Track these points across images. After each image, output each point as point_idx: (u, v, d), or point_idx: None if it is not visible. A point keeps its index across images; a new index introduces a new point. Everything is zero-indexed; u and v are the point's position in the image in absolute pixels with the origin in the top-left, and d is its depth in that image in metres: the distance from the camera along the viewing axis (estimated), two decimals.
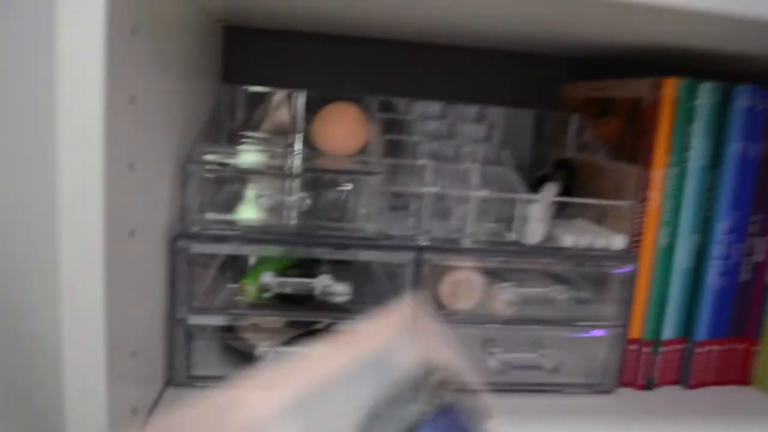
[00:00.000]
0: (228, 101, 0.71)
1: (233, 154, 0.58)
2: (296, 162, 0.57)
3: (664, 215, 0.62)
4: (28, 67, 0.66)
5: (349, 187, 0.58)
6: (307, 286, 0.55)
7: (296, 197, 0.55)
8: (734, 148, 0.63)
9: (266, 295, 0.54)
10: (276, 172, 0.56)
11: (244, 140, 0.70)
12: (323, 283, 0.55)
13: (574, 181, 0.72)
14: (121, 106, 0.42)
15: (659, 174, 0.62)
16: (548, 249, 0.60)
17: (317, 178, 0.57)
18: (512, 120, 0.76)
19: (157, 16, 0.48)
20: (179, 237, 0.53)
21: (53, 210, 0.40)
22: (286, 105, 0.71)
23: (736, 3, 0.45)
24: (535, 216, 0.58)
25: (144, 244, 0.48)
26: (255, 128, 0.71)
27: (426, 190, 0.57)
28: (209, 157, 0.56)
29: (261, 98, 0.72)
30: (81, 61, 0.38)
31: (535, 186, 0.70)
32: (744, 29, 0.50)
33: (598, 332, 0.62)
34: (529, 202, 0.58)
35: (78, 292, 0.40)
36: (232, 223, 0.56)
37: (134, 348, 0.47)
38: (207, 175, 0.55)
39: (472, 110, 0.73)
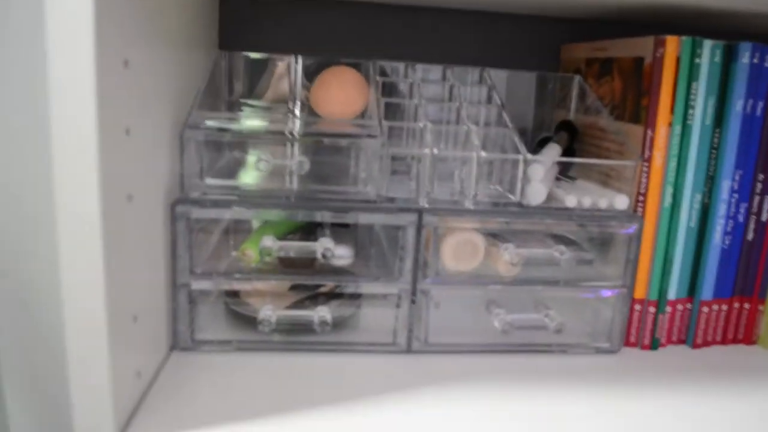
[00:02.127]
0: (226, 68, 0.70)
1: (232, 120, 0.57)
2: (296, 126, 0.57)
3: (668, 175, 0.62)
4: (18, 29, 0.65)
5: (349, 148, 0.57)
6: (308, 249, 0.55)
7: (296, 160, 0.55)
8: (738, 105, 0.62)
9: (267, 259, 0.54)
10: (275, 136, 0.56)
11: (243, 108, 0.70)
12: (324, 246, 0.54)
13: (576, 143, 0.72)
14: (115, 70, 0.41)
15: (662, 133, 0.61)
16: (551, 210, 0.59)
17: (317, 141, 0.57)
18: (513, 82, 0.76)
19: None
20: (178, 202, 0.53)
21: (50, 174, 0.39)
22: (288, 75, 0.71)
23: None
24: (537, 177, 0.58)
25: (143, 209, 0.48)
26: (257, 98, 0.70)
27: (426, 151, 0.57)
28: (207, 123, 0.56)
29: (259, 65, 0.72)
30: (71, 21, 0.37)
31: (537, 148, 0.69)
32: None
33: (603, 292, 0.62)
34: (531, 162, 0.58)
35: (77, 256, 0.40)
36: (232, 189, 0.56)
37: (136, 312, 0.47)
38: (205, 139, 0.55)
39: (472, 73, 0.72)
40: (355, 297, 0.61)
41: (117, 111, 0.42)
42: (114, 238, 0.42)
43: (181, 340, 0.56)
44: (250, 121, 0.58)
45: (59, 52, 0.38)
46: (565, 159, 0.63)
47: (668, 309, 0.65)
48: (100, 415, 0.43)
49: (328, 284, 0.58)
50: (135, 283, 0.47)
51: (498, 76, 0.73)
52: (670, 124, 0.61)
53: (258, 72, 0.72)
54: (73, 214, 0.40)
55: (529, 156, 0.58)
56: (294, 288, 0.59)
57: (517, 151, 0.59)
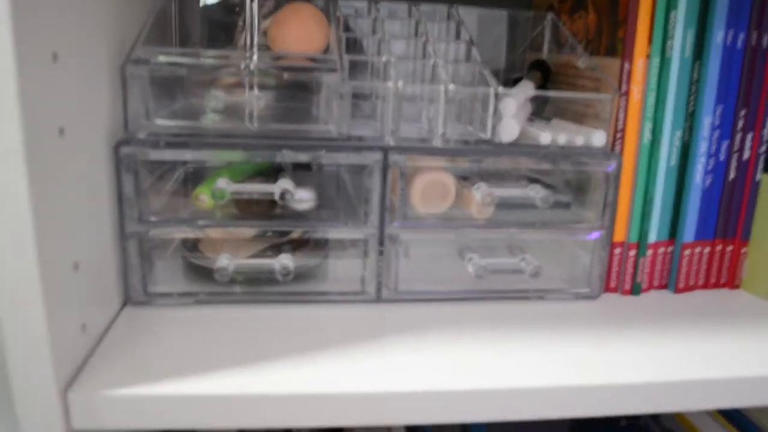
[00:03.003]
0: (175, 13, 0.66)
1: (179, 55, 0.53)
2: (252, 61, 0.53)
3: (646, 110, 0.59)
4: None
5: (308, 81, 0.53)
6: (266, 191, 0.51)
7: (252, 95, 0.51)
8: (719, 37, 0.59)
9: (221, 202, 0.50)
10: (230, 71, 0.52)
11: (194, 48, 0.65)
12: (283, 187, 0.51)
13: (549, 83, 0.68)
14: None
15: (640, 66, 0.58)
16: (524, 147, 0.56)
17: (274, 76, 0.52)
18: (483, 22, 0.72)
19: None
20: (122, 143, 0.49)
21: None
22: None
23: None
24: (510, 112, 0.54)
25: (79, 147, 0.44)
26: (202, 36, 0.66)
27: (390, 85, 0.53)
28: (151, 57, 0.51)
29: (212, 11, 0.67)
30: None
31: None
32: None
33: (580, 235, 0.59)
34: (503, 96, 0.54)
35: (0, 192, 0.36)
36: (184, 129, 0.52)
37: (76, 259, 0.43)
38: (150, 74, 0.50)
39: (440, 11, 0.68)
40: (321, 245, 0.58)
41: (39, 30, 0.38)
42: (43, 174, 0.38)
43: (134, 293, 0.52)
44: (201, 59, 0.54)
45: None
46: (538, 92, 0.59)
47: (649, 252, 0.62)
48: (40, 370, 0.39)
49: (292, 232, 0.54)
50: (73, 227, 0.43)
51: (468, 14, 0.70)
52: (648, 56, 0.58)
53: (212, 18, 0.68)
54: None
55: (501, 89, 0.54)
56: (256, 238, 0.56)
57: (487, 86, 0.55)
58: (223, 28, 0.68)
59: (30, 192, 0.37)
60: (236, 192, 0.50)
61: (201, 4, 0.68)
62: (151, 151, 0.50)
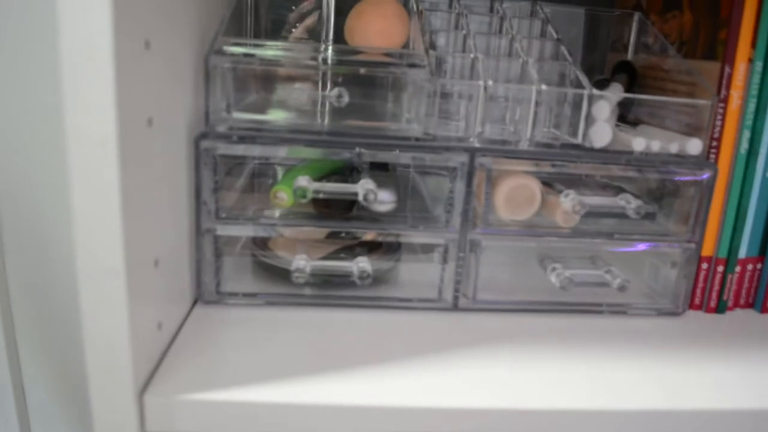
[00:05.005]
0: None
1: (260, 47, 0.51)
2: (330, 54, 0.51)
3: (746, 117, 0.55)
4: None
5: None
6: (349, 191, 0.49)
7: (334, 92, 0.49)
8: None
9: (302, 201, 0.48)
10: (310, 64, 0.50)
11: (273, 38, 0.64)
12: (366, 188, 0.48)
13: (636, 87, 0.65)
14: None
15: (741, 70, 0.54)
16: (617, 154, 0.53)
17: (355, 72, 0.50)
18: (560, 20, 0.69)
19: None
20: (204, 136, 0.47)
21: (59, 92, 0.34)
22: (316, 10, 0.64)
23: None
24: (603, 116, 0.51)
25: (164, 138, 0.42)
26: (287, 31, 0.64)
27: (480, 84, 0.50)
28: (234, 49, 0.49)
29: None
30: None
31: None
32: None
33: (669, 248, 0.55)
34: (596, 99, 0.51)
35: (91, 183, 0.35)
36: (262, 124, 0.50)
37: (157, 255, 0.42)
38: (233, 66, 0.48)
39: (523, 6, 0.65)
40: (396, 248, 0.56)
41: (135, 20, 0.36)
42: (132, 164, 0.36)
43: (206, 291, 0.50)
44: (280, 51, 0.52)
45: None
46: (634, 96, 0.56)
47: (738, 269, 0.58)
48: (119, 370, 0.38)
49: (367, 233, 0.52)
50: (156, 221, 0.42)
51: (549, 12, 0.66)
52: (751, 60, 0.54)
53: (285, 6, 0.66)
54: (86, 135, 0.34)
55: (595, 91, 0.51)
56: (329, 238, 0.54)
57: (579, 86, 0.52)
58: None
59: (121, 184, 0.35)
60: (317, 190, 0.48)
61: None
62: (231, 146, 0.48)
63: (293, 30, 0.65)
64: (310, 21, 0.65)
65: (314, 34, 0.65)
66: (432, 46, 0.62)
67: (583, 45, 0.72)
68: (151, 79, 0.39)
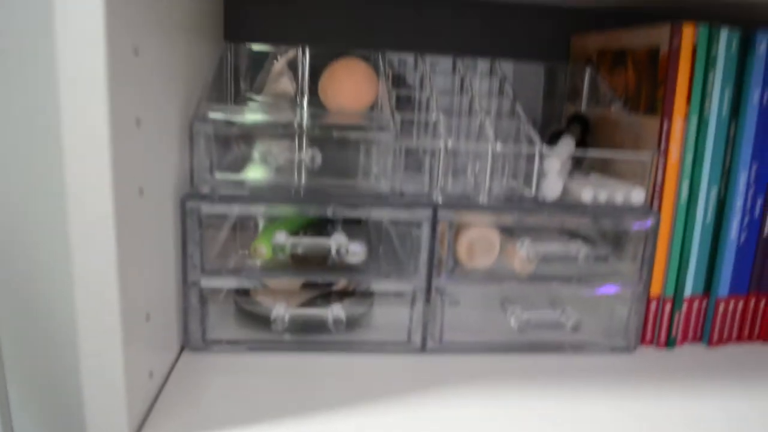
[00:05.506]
0: (232, 60, 0.69)
1: (239, 113, 0.56)
2: (305, 118, 0.56)
3: (684, 168, 0.61)
4: (26, 19, 0.64)
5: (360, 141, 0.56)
6: (322, 246, 0.53)
7: (308, 154, 0.53)
8: (755, 96, 0.61)
9: (280, 256, 0.53)
10: (286, 129, 0.54)
11: (249, 100, 0.68)
12: (338, 242, 0.53)
13: (589, 136, 0.70)
14: (126, 57, 0.40)
15: (678, 125, 0.60)
16: (566, 205, 0.58)
17: (328, 134, 0.55)
18: (521, 74, 0.74)
19: None
20: (189, 197, 0.52)
21: (61, 167, 0.38)
22: (287, 72, 0.69)
23: None
24: (554, 170, 0.57)
25: (154, 204, 0.46)
26: (258, 91, 0.69)
27: (441, 145, 0.55)
28: (216, 116, 0.54)
29: (266, 57, 0.70)
30: (81, 7, 0.36)
31: (549, 141, 0.68)
32: None
33: (618, 289, 0.60)
34: (547, 156, 0.56)
35: (90, 252, 0.39)
36: (241, 183, 0.54)
37: (148, 310, 0.46)
38: (215, 132, 0.53)
39: (482, 64, 0.71)
40: (368, 295, 0.60)
41: (128, 100, 0.41)
42: (127, 234, 0.41)
43: (193, 339, 0.54)
44: (259, 114, 0.57)
45: (69, 40, 0.36)
46: (581, 152, 0.62)
47: (684, 306, 0.64)
48: (114, 417, 0.42)
49: (340, 282, 0.57)
50: (147, 280, 0.46)
51: (506, 67, 0.72)
52: (686, 116, 0.60)
53: (263, 64, 0.71)
54: (85, 208, 0.38)
55: (545, 149, 0.57)
56: (305, 286, 0.58)
57: (532, 144, 0.58)
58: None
59: (116, 249, 0.39)
60: (294, 245, 0.53)
61: (251, 50, 0.71)
62: (212, 206, 0.52)
63: (263, 89, 0.70)
64: (280, 84, 0.70)
65: (285, 94, 0.70)
66: (404, 101, 0.67)
67: (543, 94, 0.78)
68: (142, 152, 0.44)
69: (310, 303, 0.58)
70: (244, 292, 0.59)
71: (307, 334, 0.57)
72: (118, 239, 0.39)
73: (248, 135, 0.55)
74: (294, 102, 0.67)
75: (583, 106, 0.73)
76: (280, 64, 0.69)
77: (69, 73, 0.37)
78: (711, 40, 0.59)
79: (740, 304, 0.65)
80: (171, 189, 0.51)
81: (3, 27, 0.65)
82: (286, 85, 0.69)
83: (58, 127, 0.38)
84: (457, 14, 0.78)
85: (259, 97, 0.70)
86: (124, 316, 0.41)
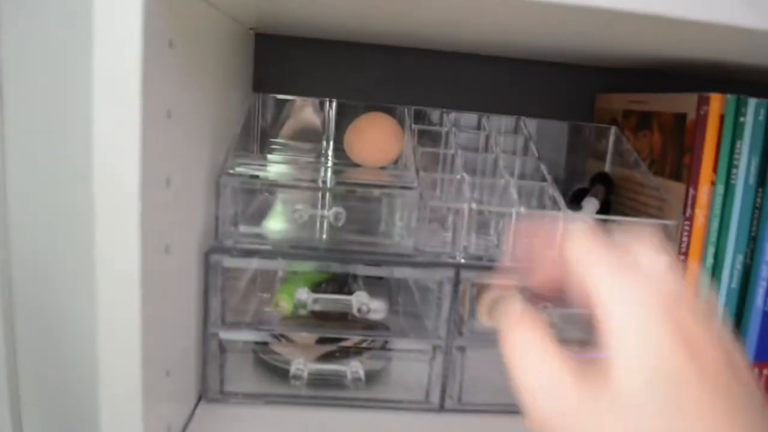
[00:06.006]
0: (259, 111, 0.70)
1: (265, 165, 0.57)
2: (329, 174, 0.56)
3: (710, 234, 0.60)
4: (65, 83, 0.66)
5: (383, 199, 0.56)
6: (344, 303, 0.54)
7: (332, 211, 0.54)
8: None
9: (302, 312, 0.53)
10: (311, 186, 0.55)
11: (274, 148, 0.69)
12: (360, 300, 0.53)
13: (612, 196, 0.70)
14: (158, 121, 0.41)
15: (705, 192, 0.60)
16: None
17: (351, 192, 0.56)
18: (545, 129, 0.75)
19: (193, 28, 0.47)
20: (213, 251, 0.52)
21: (91, 228, 0.39)
22: (312, 103, 0.71)
23: None
24: None
25: (178, 260, 0.47)
26: (283, 135, 0.70)
27: (465, 205, 0.56)
28: (241, 169, 0.55)
29: (292, 105, 0.72)
30: (118, 76, 0.37)
31: (572, 200, 0.68)
32: None
33: None
34: (571, 219, 0.56)
35: (114, 311, 0.39)
36: (264, 237, 0.55)
37: (169, 366, 0.46)
38: (241, 186, 0.54)
39: (507, 121, 0.71)
40: (386, 350, 0.60)
41: (159, 163, 0.41)
42: (151, 292, 0.41)
43: (211, 391, 0.55)
44: (284, 166, 0.58)
45: (105, 106, 0.37)
46: (606, 217, 0.61)
47: None
48: None
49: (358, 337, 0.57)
50: (169, 336, 0.46)
51: (530, 124, 0.72)
52: (713, 183, 0.60)
53: (290, 111, 0.72)
54: (112, 268, 0.39)
55: (570, 212, 0.57)
56: (322, 339, 0.58)
57: (556, 206, 0.58)
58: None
59: (141, 309, 0.40)
60: (317, 302, 0.53)
61: (278, 99, 0.72)
62: (235, 259, 0.53)
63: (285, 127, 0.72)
64: (302, 118, 0.71)
65: (307, 132, 0.71)
66: (422, 158, 0.67)
67: (566, 150, 0.78)
68: (170, 210, 0.44)
69: (327, 356, 0.58)
70: (262, 343, 0.59)
71: (324, 389, 0.57)
72: (143, 300, 0.39)
73: (273, 189, 0.56)
74: (319, 134, 0.68)
75: (607, 166, 0.73)
76: (300, 101, 0.71)
77: (103, 134, 0.38)
78: (739, 110, 0.59)
79: (765, 372, 0.64)
80: (195, 243, 0.51)
81: (39, 93, 0.67)
82: (310, 115, 0.70)
83: (90, 186, 0.39)
84: (482, 70, 0.79)
85: (285, 142, 0.71)
86: (145, 373, 0.41)
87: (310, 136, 0.71)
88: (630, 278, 0.27)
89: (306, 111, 0.72)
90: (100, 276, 0.39)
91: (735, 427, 0.24)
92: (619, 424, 0.25)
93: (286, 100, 0.72)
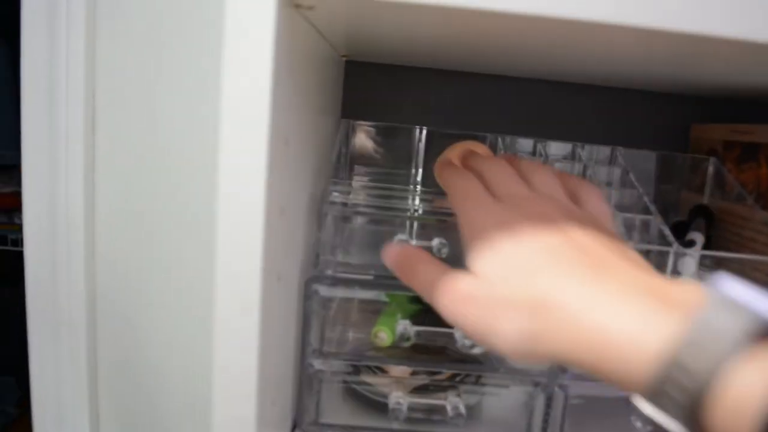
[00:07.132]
0: (350, 137, 0.70)
1: (360, 193, 0.56)
2: (417, 203, 0.56)
3: None
4: (193, 116, 0.67)
5: None
6: (447, 336, 0.52)
7: (436, 242, 0.53)
8: None
9: (405, 344, 0.52)
10: (420, 218, 0.55)
11: (363, 175, 0.69)
12: (463, 333, 0.52)
13: (713, 230, 0.67)
14: (279, 150, 0.40)
15: None
16: None
17: (445, 221, 0.55)
18: (634, 159, 0.72)
19: (306, 55, 0.47)
20: (313, 280, 0.52)
21: (212, 257, 0.38)
22: (400, 133, 0.70)
23: None
24: (689, 271, 0.54)
25: (286, 289, 0.46)
26: (372, 161, 0.70)
27: None
28: (341, 197, 0.54)
29: (381, 133, 0.71)
30: (247, 102, 0.37)
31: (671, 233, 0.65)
32: None
33: None
34: (682, 255, 0.54)
35: (233, 340, 0.39)
36: (363, 266, 0.54)
37: (274, 397, 0.45)
38: (342, 215, 0.53)
39: (599, 151, 0.69)
40: (481, 385, 0.58)
41: (277, 192, 0.41)
42: (267, 322, 0.40)
43: (306, 423, 0.54)
44: (374, 194, 0.57)
45: (231, 136, 0.37)
46: (717, 253, 0.58)
47: None
48: None
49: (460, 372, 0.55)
50: (276, 366, 0.45)
51: (624, 154, 0.70)
52: None
53: (380, 140, 0.72)
54: (234, 295, 0.38)
55: (681, 248, 0.54)
56: (417, 371, 0.57)
57: (664, 240, 0.55)
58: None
59: (260, 338, 0.39)
60: (420, 334, 0.52)
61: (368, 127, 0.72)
62: (334, 289, 0.52)
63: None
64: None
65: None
66: None
67: (655, 180, 0.76)
68: (283, 240, 0.44)
69: (420, 390, 0.56)
70: (354, 371, 0.58)
71: (423, 424, 0.55)
72: (261, 328, 0.39)
73: (376, 218, 0.55)
74: (408, 161, 0.67)
75: (706, 198, 0.70)
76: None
77: (229, 162, 0.37)
78: None
79: None
80: (298, 271, 0.51)
81: (129, 101, 0.68)
82: (400, 142, 0.70)
83: (215, 214, 0.38)
84: (574, 99, 0.78)
85: (376, 170, 0.71)
86: (259, 403, 0.40)
87: (398, 163, 0.71)
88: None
89: (396, 138, 0.72)
90: (221, 304, 0.38)
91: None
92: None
93: (378, 129, 0.71)
